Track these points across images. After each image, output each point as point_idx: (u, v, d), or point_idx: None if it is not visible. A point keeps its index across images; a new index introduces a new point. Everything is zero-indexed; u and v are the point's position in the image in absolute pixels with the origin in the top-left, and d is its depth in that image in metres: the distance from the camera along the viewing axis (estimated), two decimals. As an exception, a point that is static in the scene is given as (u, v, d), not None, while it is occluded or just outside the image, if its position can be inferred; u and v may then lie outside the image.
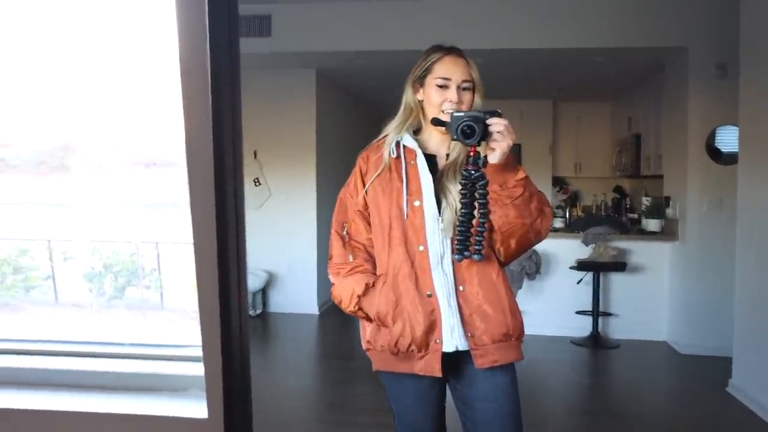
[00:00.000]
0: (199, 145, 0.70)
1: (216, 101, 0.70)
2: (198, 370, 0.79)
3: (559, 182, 8.38)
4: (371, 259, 1.78)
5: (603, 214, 7.42)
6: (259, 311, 6.28)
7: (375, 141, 1.83)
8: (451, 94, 1.69)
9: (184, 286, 0.99)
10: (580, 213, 7.39)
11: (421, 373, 1.70)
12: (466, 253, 1.60)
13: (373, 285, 1.74)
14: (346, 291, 1.76)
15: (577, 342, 5.37)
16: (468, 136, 1.53)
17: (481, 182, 1.55)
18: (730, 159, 4.71)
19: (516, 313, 1.73)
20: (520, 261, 5.14)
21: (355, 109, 7.96)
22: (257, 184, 6.42)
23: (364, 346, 1.80)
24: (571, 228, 5.93)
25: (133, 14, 0.91)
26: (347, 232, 1.81)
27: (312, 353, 5.46)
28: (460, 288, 1.69)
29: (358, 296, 1.74)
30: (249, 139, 6.35)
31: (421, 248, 1.69)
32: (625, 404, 4.15)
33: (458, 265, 1.68)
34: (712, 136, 5.01)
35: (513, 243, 1.67)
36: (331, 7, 5.17)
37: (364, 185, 1.78)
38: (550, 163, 8.13)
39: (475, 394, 1.73)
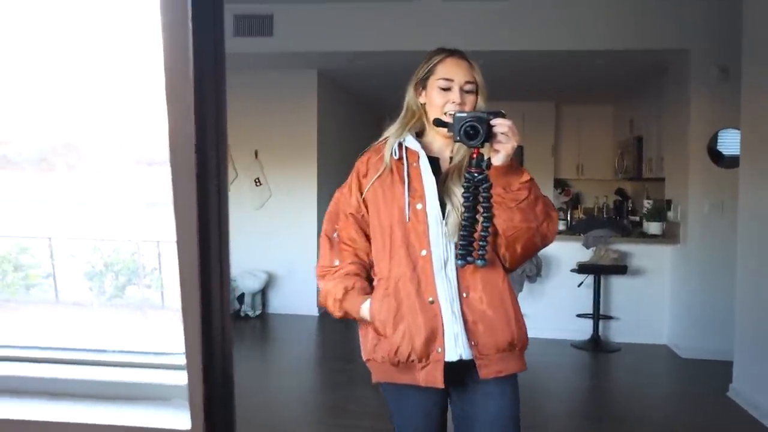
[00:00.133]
0: (181, 143, 0.70)
1: (199, 100, 0.69)
2: (182, 378, 0.78)
3: (561, 184, 8.37)
4: (359, 262, 1.73)
5: (604, 216, 7.42)
6: (258, 312, 6.27)
7: (375, 143, 1.79)
8: (454, 95, 1.66)
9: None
10: (581, 215, 7.38)
11: (423, 385, 1.64)
12: (469, 259, 1.56)
13: (353, 288, 1.68)
14: (329, 295, 1.72)
15: (577, 345, 5.36)
16: (471, 137, 1.48)
17: (485, 185, 1.51)
18: (732, 162, 4.69)
19: (521, 322, 1.68)
20: (520, 263, 5.12)
21: (357, 109, 7.95)
22: (258, 184, 6.41)
23: (365, 357, 1.73)
24: (573, 230, 5.91)
25: (134, 13, 0.91)
26: (337, 235, 1.76)
27: (312, 355, 5.45)
28: (464, 294, 1.63)
29: (339, 300, 1.69)
30: (250, 139, 6.34)
31: (424, 253, 1.64)
32: (626, 408, 4.14)
33: (462, 271, 1.63)
34: (713, 139, 5.00)
35: (519, 248, 1.63)
36: (333, 7, 5.17)
37: (360, 187, 1.73)
38: (552, 165, 8.13)
39: (476, 412, 1.68)
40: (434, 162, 1.70)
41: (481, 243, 1.55)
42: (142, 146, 1.02)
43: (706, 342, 4.90)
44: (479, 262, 1.56)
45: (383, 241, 1.68)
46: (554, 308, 5.49)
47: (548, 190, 7.85)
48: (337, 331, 5.83)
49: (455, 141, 1.54)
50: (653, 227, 5.65)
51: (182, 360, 0.80)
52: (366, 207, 1.72)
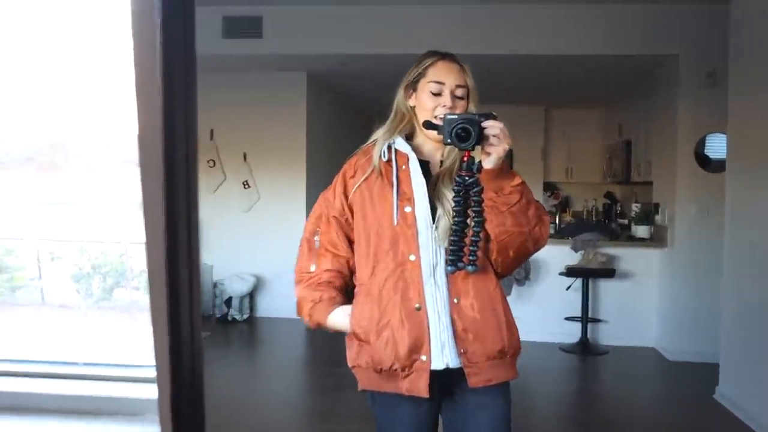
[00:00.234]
0: (149, 142, 0.69)
1: (167, 98, 0.69)
2: (155, 392, 0.76)
3: (550, 187, 8.41)
4: (336, 270, 1.68)
5: (593, 220, 7.46)
6: (246, 316, 6.23)
7: (364, 146, 1.74)
8: (445, 99, 1.62)
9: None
10: (570, 218, 7.42)
11: (407, 394, 1.58)
12: (459, 265, 1.51)
13: (320, 300, 1.64)
14: (301, 306, 1.68)
15: (565, 348, 5.37)
16: (462, 139, 1.44)
17: (476, 189, 1.46)
18: (719, 166, 4.73)
19: (513, 329, 1.63)
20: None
21: (346, 112, 7.94)
22: (246, 186, 6.38)
23: (350, 363, 1.67)
24: (561, 234, 5.94)
25: (121, 13, 0.90)
26: (318, 239, 1.70)
27: (300, 359, 5.42)
28: (455, 300, 1.58)
29: (309, 313, 1.66)
30: (239, 142, 6.32)
31: (413, 258, 1.58)
32: (613, 411, 4.15)
33: (453, 277, 1.58)
34: (701, 144, 5.04)
35: (511, 253, 1.59)
36: (323, 9, 5.16)
37: (346, 190, 1.68)
38: (541, 169, 8.16)
39: (466, 422, 1.64)
40: (424, 165, 1.65)
41: (471, 248, 1.50)
42: (130, 145, 1.00)
43: (693, 345, 4.93)
44: (470, 268, 1.51)
45: (367, 245, 1.63)
46: (543, 311, 5.51)
47: (537, 194, 7.83)
48: (325, 335, 5.76)
49: (445, 143, 1.49)
50: (641, 231, 5.68)
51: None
52: (351, 210, 1.68)
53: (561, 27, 5.04)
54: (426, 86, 1.65)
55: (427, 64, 1.67)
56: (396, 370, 1.57)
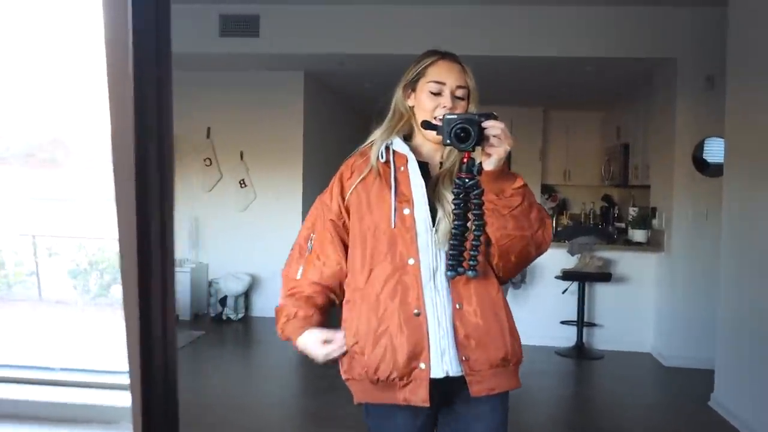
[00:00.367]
0: (121, 141, 0.68)
1: (139, 96, 0.68)
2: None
3: (548, 190, 8.39)
4: (321, 284, 1.62)
5: (590, 223, 7.43)
6: (241, 315, 6.21)
7: (361, 147, 1.68)
8: (445, 100, 1.57)
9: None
10: (567, 221, 7.39)
11: (404, 404, 1.52)
12: (459, 270, 1.45)
13: (294, 316, 1.59)
14: (276, 315, 1.64)
15: (561, 352, 5.35)
16: (462, 140, 1.38)
17: (476, 191, 1.40)
18: (717, 170, 4.70)
19: (515, 335, 1.58)
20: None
21: (344, 112, 7.92)
22: (243, 185, 6.36)
23: (343, 375, 1.60)
24: (558, 237, 5.91)
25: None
26: (311, 245, 1.64)
27: (295, 360, 5.39)
28: (457, 306, 1.52)
29: (281, 328, 1.62)
30: (235, 140, 6.30)
31: (412, 261, 1.52)
32: (607, 417, 4.13)
33: (454, 282, 1.52)
34: (699, 148, 5.01)
35: (513, 257, 1.53)
36: (321, 8, 5.13)
37: (342, 191, 1.62)
38: (539, 171, 8.14)
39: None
40: (423, 167, 1.59)
41: (472, 253, 1.44)
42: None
43: (690, 350, 4.91)
44: (470, 273, 1.45)
45: (364, 248, 1.57)
46: (538, 315, 5.48)
47: (535, 196, 7.84)
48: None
49: (444, 144, 1.43)
50: (638, 235, 5.66)
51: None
52: (348, 213, 1.62)
53: (560, 29, 5.02)
54: (425, 86, 1.59)
55: (426, 64, 1.62)
56: (394, 379, 1.51)
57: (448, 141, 1.40)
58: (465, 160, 1.41)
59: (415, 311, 1.51)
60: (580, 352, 5.32)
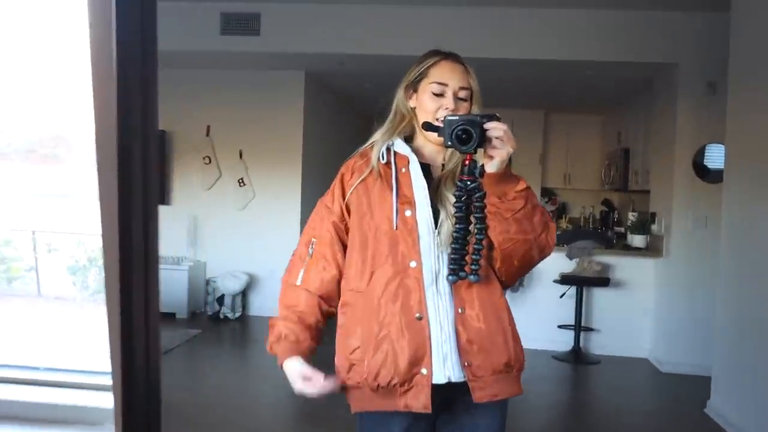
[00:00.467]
0: (104, 138, 0.68)
1: (123, 94, 0.67)
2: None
3: (548, 193, 8.37)
4: (317, 295, 1.58)
5: (590, 227, 7.41)
6: (238, 314, 6.20)
7: (362, 148, 1.64)
8: (447, 101, 1.54)
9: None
10: (567, 225, 7.38)
11: (404, 410, 1.48)
12: (461, 274, 1.42)
13: (284, 338, 1.55)
14: (270, 327, 1.60)
15: (558, 357, 5.33)
16: (464, 141, 1.35)
17: (478, 194, 1.38)
18: (717, 176, 4.68)
19: (518, 341, 1.56)
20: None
21: (345, 112, 7.91)
22: (242, 184, 6.35)
23: (342, 384, 1.56)
24: (557, 241, 5.88)
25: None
26: (312, 249, 1.60)
27: (290, 358, 5.39)
28: (459, 310, 1.49)
29: (270, 346, 1.59)
30: (235, 139, 6.29)
31: (414, 264, 1.49)
32: (603, 423, 4.11)
33: (456, 285, 1.48)
34: (700, 154, 4.99)
35: (515, 261, 1.50)
36: (322, 8, 5.12)
37: (343, 192, 1.59)
38: (539, 174, 8.12)
39: None
40: (425, 168, 1.56)
41: (474, 257, 1.41)
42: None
43: (687, 357, 4.89)
44: (473, 277, 1.42)
45: (364, 250, 1.54)
46: (536, 319, 5.46)
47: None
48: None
49: (446, 146, 1.40)
50: (637, 240, 5.64)
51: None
52: (349, 213, 1.59)
53: (562, 32, 5.01)
54: (428, 87, 1.56)
55: (429, 64, 1.58)
56: (395, 385, 1.47)
57: (450, 143, 1.38)
58: (467, 162, 1.39)
59: (417, 315, 1.47)
60: (577, 357, 5.31)
